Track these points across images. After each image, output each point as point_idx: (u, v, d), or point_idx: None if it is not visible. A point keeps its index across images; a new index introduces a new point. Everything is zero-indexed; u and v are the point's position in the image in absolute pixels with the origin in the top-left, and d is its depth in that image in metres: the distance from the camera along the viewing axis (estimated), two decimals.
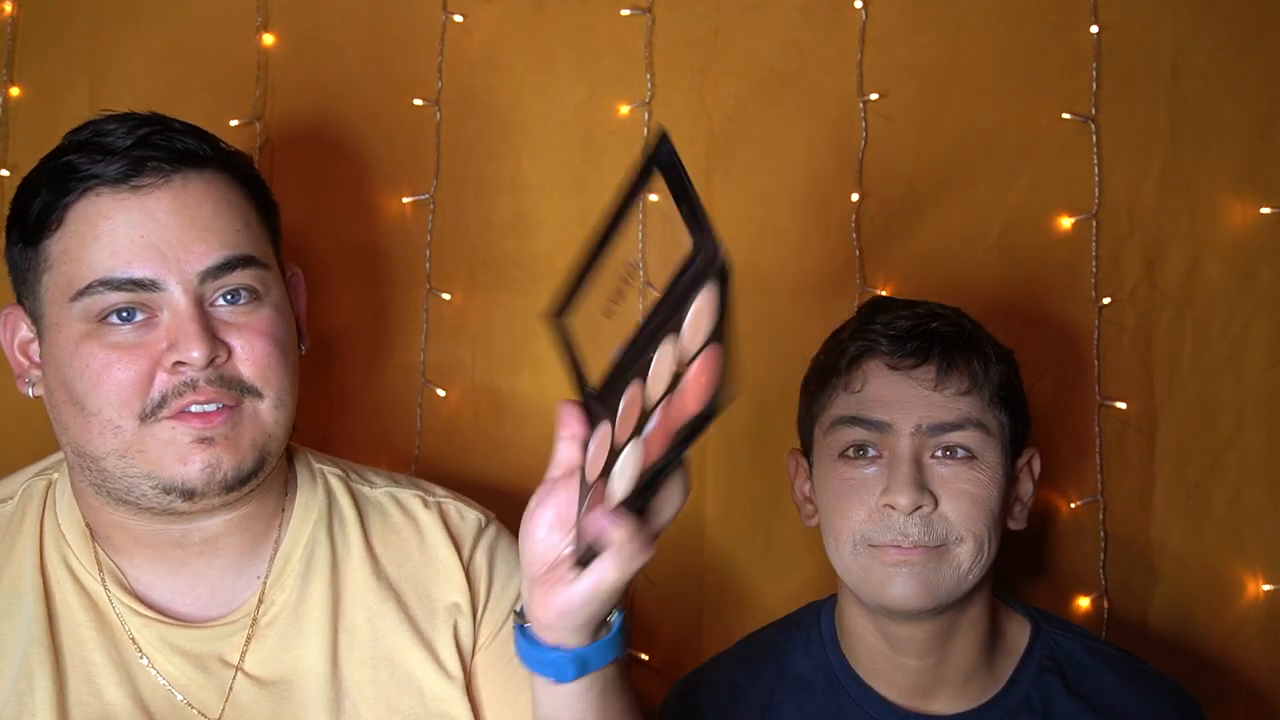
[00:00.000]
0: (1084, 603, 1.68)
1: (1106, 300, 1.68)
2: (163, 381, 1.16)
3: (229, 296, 1.19)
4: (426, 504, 1.38)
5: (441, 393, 1.73)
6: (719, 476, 1.71)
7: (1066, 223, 1.69)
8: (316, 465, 1.37)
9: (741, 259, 1.69)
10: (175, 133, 1.20)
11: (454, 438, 1.73)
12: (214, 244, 1.18)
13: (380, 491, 1.38)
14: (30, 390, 1.24)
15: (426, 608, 1.32)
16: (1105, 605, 1.68)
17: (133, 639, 1.22)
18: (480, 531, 1.38)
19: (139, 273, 1.15)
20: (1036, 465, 1.44)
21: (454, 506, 1.39)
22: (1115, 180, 1.69)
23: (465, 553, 1.36)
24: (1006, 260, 1.69)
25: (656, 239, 1.71)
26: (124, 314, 1.16)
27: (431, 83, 1.73)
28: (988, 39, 1.70)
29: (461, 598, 1.33)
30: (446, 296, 1.73)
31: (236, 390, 1.19)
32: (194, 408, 1.17)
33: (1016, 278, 1.69)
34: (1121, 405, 1.68)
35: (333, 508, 1.34)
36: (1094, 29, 1.68)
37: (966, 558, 1.34)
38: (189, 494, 1.18)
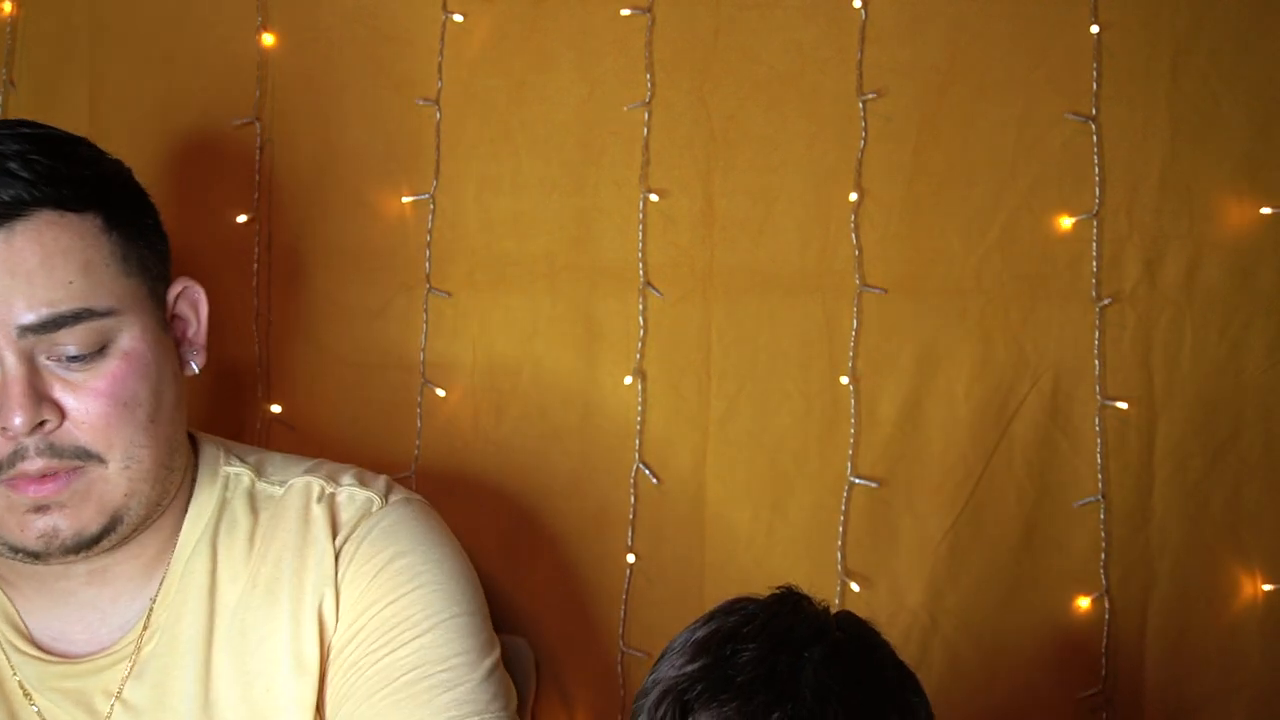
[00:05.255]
0: (1084, 603, 1.68)
1: (1107, 300, 1.68)
2: None
3: (62, 355, 1.09)
4: (322, 495, 1.25)
5: (441, 393, 1.73)
6: (719, 476, 1.71)
7: (1066, 223, 1.69)
8: (225, 468, 1.27)
9: (741, 259, 1.72)
10: (4, 174, 1.06)
11: (454, 438, 1.73)
12: (37, 300, 1.07)
13: (286, 489, 1.26)
14: None
15: (298, 607, 1.21)
16: (1106, 605, 1.68)
17: (20, 684, 1.18)
18: (364, 515, 1.25)
19: None
20: None
21: (349, 492, 1.26)
22: (1115, 180, 1.69)
23: (340, 538, 1.23)
24: (1006, 260, 1.69)
25: (657, 239, 1.71)
26: None
27: (431, 83, 1.73)
28: (988, 39, 1.70)
29: (328, 588, 1.22)
30: (447, 296, 1.73)
31: (71, 457, 1.09)
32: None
33: (1016, 278, 1.69)
34: (1122, 405, 1.68)
35: (223, 515, 1.24)
36: (1094, 29, 1.68)
37: None
38: (34, 556, 1.12)
